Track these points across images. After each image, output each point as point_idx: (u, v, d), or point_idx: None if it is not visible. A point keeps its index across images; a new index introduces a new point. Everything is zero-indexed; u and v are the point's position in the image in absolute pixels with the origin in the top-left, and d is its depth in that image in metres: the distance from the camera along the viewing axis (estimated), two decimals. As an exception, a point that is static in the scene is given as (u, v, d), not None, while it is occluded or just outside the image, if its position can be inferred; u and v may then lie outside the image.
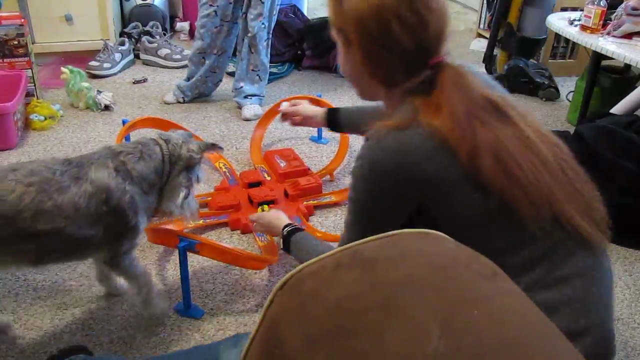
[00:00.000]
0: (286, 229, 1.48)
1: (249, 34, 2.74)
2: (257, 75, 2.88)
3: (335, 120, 1.81)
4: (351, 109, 1.82)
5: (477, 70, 1.14)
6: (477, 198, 0.96)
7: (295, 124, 1.90)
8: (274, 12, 2.79)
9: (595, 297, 0.96)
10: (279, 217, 1.58)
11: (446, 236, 0.55)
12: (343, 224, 1.18)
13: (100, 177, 1.28)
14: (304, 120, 1.87)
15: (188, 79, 2.96)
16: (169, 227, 1.86)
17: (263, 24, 2.74)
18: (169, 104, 2.96)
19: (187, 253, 1.51)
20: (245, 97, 2.88)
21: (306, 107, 1.88)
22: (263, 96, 2.96)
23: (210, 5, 2.72)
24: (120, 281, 1.57)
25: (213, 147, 1.54)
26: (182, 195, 1.45)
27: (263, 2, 2.68)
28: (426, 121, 0.97)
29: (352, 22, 1.04)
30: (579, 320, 0.93)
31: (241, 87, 2.87)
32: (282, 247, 1.49)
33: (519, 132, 0.97)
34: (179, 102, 2.96)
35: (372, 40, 1.03)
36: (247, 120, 2.81)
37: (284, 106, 1.92)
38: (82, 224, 1.26)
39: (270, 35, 2.83)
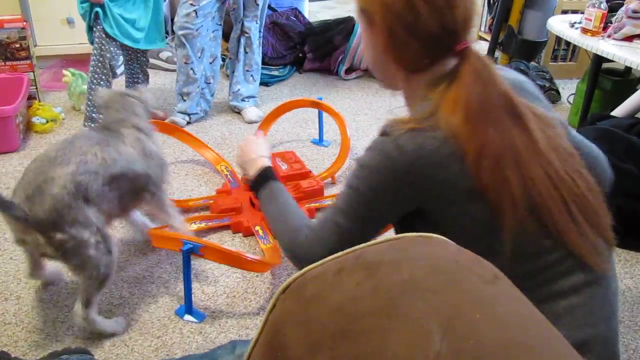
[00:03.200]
0: (260, 172, 1.35)
1: (246, 34, 2.75)
2: (251, 75, 2.88)
3: None
4: None
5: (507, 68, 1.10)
6: (480, 209, 0.93)
7: None
8: (265, 11, 2.81)
9: (596, 310, 0.94)
10: (258, 152, 1.44)
11: (448, 240, 0.55)
12: (328, 207, 1.13)
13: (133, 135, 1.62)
14: None
15: (182, 98, 2.75)
16: (172, 231, 1.86)
17: (257, 23, 2.75)
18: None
19: (190, 256, 1.51)
20: (243, 99, 2.89)
21: None
22: (257, 97, 2.96)
23: (191, 4, 2.56)
24: (51, 269, 1.64)
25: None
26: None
27: (258, 4, 2.69)
28: (444, 121, 0.93)
29: (377, 1, 0.99)
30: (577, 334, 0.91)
31: (238, 90, 2.87)
32: (250, 187, 1.38)
33: (531, 139, 0.93)
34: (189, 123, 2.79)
35: (397, 21, 0.97)
36: (252, 122, 2.80)
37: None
38: (137, 163, 1.58)
39: (262, 34, 2.85)
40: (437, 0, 0.95)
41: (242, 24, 2.74)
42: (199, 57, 2.66)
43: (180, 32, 2.61)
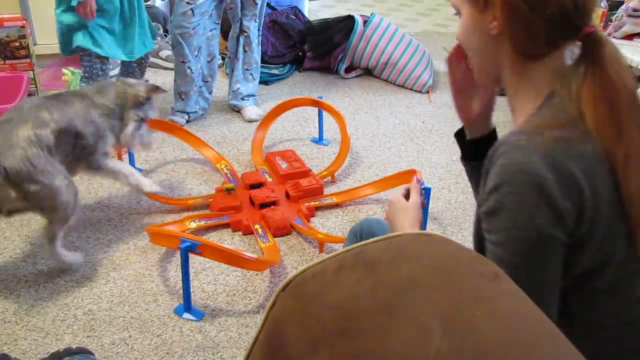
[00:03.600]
0: None
1: (245, 33, 2.75)
2: (250, 74, 2.88)
3: None
4: None
5: None
6: (620, 229, 0.81)
7: None
8: (264, 10, 2.81)
9: None
10: (406, 220, 1.15)
11: (448, 238, 0.55)
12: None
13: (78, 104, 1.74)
14: None
15: (180, 97, 2.73)
16: (171, 228, 1.87)
17: (256, 22, 2.75)
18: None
19: (189, 254, 1.51)
20: (242, 98, 2.88)
21: None
22: (256, 95, 2.96)
23: (188, 3, 2.52)
24: (65, 254, 1.72)
25: (157, 89, 1.92)
26: (130, 127, 1.86)
27: (256, 3, 2.69)
28: (594, 126, 0.80)
29: None
30: None
31: (237, 88, 2.87)
32: None
33: None
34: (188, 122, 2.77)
35: None
36: (252, 121, 2.80)
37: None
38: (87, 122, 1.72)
39: (261, 33, 2.84)
40: None
41: (241, 22, 2.74)
42: (196, 56, 2.65)
43: (176, 31, 2.59)
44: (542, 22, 0.83)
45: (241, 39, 2.78)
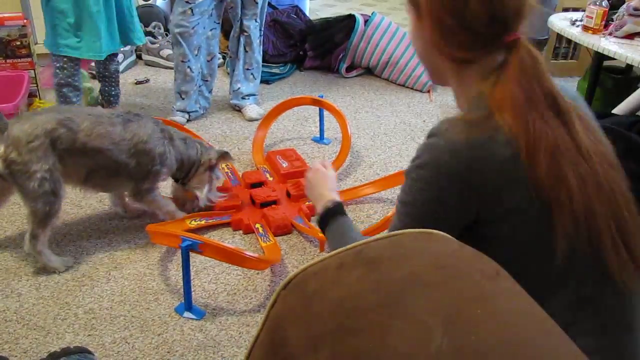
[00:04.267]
0: (328, 206, 1.29)
1: (246, 33, 2.74)
2: (251, 73, 2.87)
3: None
4: None
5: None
6: (535, 208, 0.88)
7: None
8: (265, 10, 2.80)
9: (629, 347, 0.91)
10: (327, 186, 1.39)
11: (449, 236, 0.55)
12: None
13: (147, 126, 1.79)
14: None
15: (181, 96, 2.74)
16: (172, 227, 1.87)
17: (256, 22, 2.75)
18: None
19: (190, 253, 1.51)
20: (243, 97, 2.88)
21: None
22: (257, 95, 2.96)
23: (187, 2, 2.52)
24: (50, 257, 1.73)
25: (227, 155, 2.01)
26: (207, 186, 1.98)
27: (257, 3, 2.68)
28: (501, 120, 0.88)
29: None
30: None
31: (238, 88, 2.87)
32: (318, 222, 1.32)
33: (576, 139, 0.89)
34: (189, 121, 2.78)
35: (444, 9, 0.92)
36: (253, 120, 2.80)
37: None
38: (122, 151, 1.73)
39: (262, 32, 2.84)
40: None
41: (241, 22, 2.74)
42: (196, 55, 2.65)
43: (176, 30, 2.58)
44: (465, 33, 0.93)
45: (242, 39, 2.78)
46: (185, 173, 1.94)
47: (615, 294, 0.90)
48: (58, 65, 2.40)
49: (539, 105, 0.89)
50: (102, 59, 2.48)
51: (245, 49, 2.80)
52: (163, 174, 1.86)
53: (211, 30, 2.69)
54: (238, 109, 2.91)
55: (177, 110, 2.75)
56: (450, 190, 0.90)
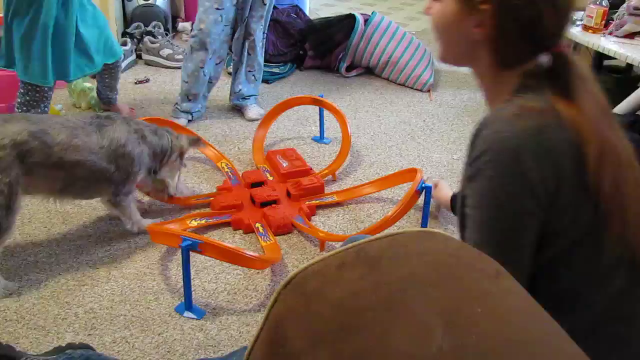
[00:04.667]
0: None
1: (251, 37, 2.73)
2: (253, 75, 2.87)
3: None
4: None
5: None
6: (588, 210, 0.87)
7: None
8: (270, 11, 2.80)
9: None
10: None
11: (450, 235, 0.55)
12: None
13: (121, 128, 1.75)
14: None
15: (188, 98, 2.71)
16: (172, 227, 1.87)
17: (262, 25, 2.74)
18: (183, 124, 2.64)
19: (190, 253, 1.51)
20: (244, 98, 2.88)
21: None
22: (258, 95, 2.96)
23: (217, 9, 2.51)
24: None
25: (197, 142, 2.07)
26: (178, 174, 1.99)
27: (265, 4, 2.67)
28: (566, 112, 0.85)
29: None
30: None
31: (240, 89, 2.86)
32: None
33: (628, 149, 0.89)
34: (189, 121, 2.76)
35: (512, 16, 0.89)
36: (253, 120, 2.80)
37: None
38: (102, 158, 1.69)
39: (265, 35, 2.83)
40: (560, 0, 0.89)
41: (247, 24, 2.71)
42: (210, 59, 2.63)
43: (207, 39, 2.54)
44: (523, 41, 0.90)
45: (246, 43, 2.75)
46: (157, 162, 1.91)
47: None
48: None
49: (607, 114, 0.89)
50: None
51: (248, 52, 2.78)
52: (141, 174, 1.84)
53: (226, 35, 2.66)
54: (238, 109, 2.91)
55: (182, 111, 2.73)
56: (523, 179, 0.83)
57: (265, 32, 2.82)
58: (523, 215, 0.85)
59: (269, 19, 2.81)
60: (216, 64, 2.71)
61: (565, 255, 0.90)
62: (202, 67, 2.62)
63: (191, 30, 2.86)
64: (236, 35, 2.77)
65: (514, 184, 0.84)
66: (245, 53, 2.79)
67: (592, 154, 0.84)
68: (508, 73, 0.94)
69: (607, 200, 0.85)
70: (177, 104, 2.75)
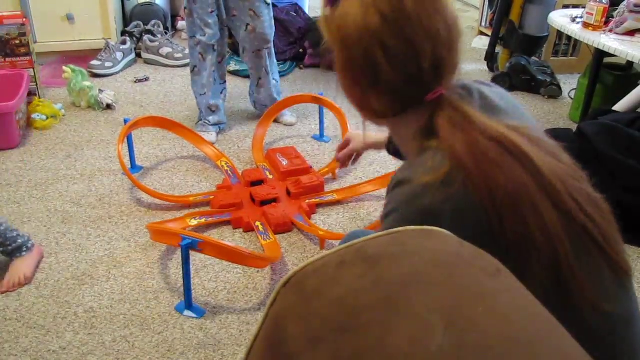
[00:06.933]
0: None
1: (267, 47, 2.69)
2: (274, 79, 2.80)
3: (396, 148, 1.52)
4: None
5: (489, 88, 0.99)
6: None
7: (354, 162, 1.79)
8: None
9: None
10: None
11: (450, 234, 0.55)
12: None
13: None
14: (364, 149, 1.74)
15: (212, 110, 2.58)
16: (172, 225, 1.87)
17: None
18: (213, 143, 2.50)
19: (190, 252, 1.51)
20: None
21: (357, 142, 1.73)
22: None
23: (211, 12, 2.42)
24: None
25: None
26: None
27: (268, 4, 2.62)
28: (457, 170, 0.82)
29: (338, 46, 0.92)
30: None
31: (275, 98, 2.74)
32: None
33: (536, 171, 0.81)
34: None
35: (360, 72, 0.90)
36: (292, 125, 2.73)
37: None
38: None
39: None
40: (396, 49, 0.84)
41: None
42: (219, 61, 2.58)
43: (214, 41, 2.47)
44: (382, 95, 0.90)
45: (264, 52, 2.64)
46: None
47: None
48: None
49: (488, 154, 0.82)
50: None
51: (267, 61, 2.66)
52: None
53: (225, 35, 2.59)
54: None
55: (212, 125, 2.58)
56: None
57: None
58: None
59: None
60: (218, 63, 2.67)
61: None
62: (214, 70, 2.53)
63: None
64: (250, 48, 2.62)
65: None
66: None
67: (484, 204, 0.80)
68: (402, 123, 0.96)
69: (515, 249, 0.79)
70: (201, 119, 2.60)
